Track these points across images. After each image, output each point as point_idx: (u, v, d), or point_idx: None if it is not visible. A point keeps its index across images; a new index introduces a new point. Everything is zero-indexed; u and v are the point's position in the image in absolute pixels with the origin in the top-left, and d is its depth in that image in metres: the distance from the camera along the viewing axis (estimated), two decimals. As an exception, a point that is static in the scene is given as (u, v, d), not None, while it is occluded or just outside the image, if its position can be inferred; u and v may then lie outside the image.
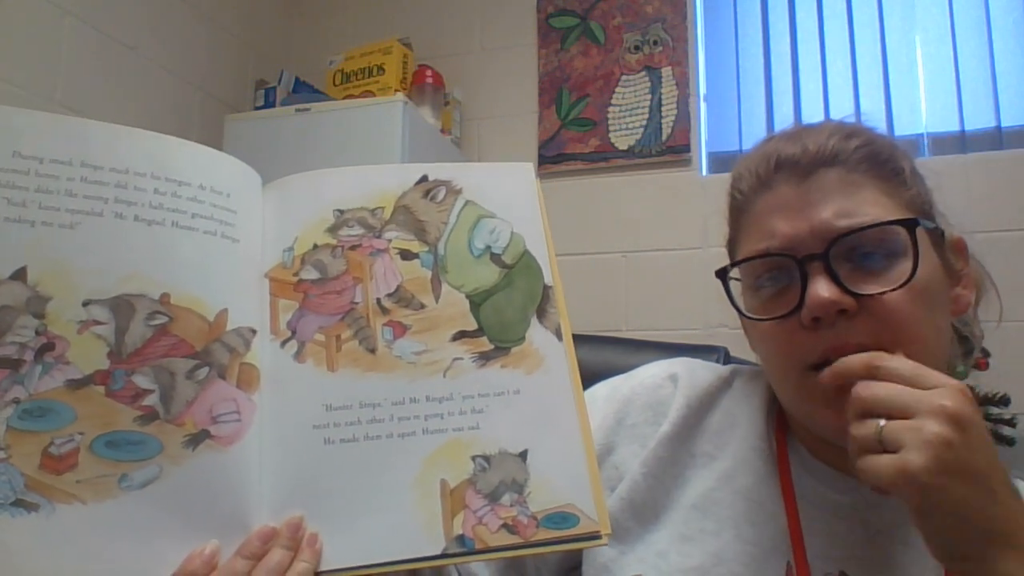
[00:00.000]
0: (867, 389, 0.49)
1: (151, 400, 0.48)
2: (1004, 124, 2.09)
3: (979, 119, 2.10)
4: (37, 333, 0.47)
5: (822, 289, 0.54)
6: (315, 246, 0.56)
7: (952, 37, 2.16)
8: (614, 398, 0.69)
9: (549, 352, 0.56)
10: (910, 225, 0.55)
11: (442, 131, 2.41)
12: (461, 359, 0.54)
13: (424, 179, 0.59)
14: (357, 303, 0.55)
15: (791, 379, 0.59)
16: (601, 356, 1.09)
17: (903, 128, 2.15)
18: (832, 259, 0.55)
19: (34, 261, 0.48)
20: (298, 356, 0.53)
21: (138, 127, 0.53)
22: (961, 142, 2.11)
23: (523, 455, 0.53)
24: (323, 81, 2.43)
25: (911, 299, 0.55)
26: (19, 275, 0.48)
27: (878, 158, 0.58)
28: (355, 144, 2.11)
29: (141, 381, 0.48)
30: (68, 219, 0.49)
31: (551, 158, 2.43)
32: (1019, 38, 2.12)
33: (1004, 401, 1.71)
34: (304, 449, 0.51)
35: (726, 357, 1.06)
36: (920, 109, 2.17)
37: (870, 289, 0.54)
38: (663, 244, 2.29)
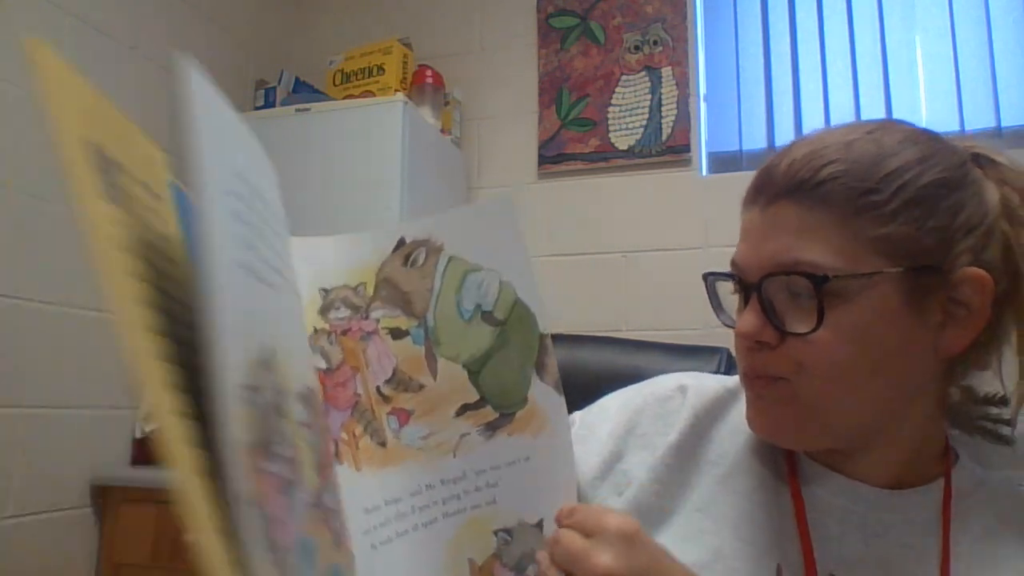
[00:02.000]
0: (559, 542, 0.49)
1: (337, 521, 0.41)
2: (1004, 124, 2.09)
3: (979, 119, 2.10)
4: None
5: (744, 319, 0.57)
6: (315, 330, 0.53)
7: (952, 37, 2.16)
8: (627, 408, 0.71)
9: (550, 407, 0.56)
10: (816, 281, 0.53)
11: (442, 131, 2.41)
12: (468, 434, 0.54)
13: (402, 243, 0.56)
14: (359, 395, 0.53)
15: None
16: (601, 356, 1.10)
17: (903, 128, 2.15)
18: (769, 291, 0.56)
19: (276, 339, 0.36)
20: (337, 456, 0.51)
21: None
22: (961, 142, 2.10)
23: (539, 525, 0.54)
24: (323, 81, 2.43)
25: (840, 341, 0.54)
26: (268, 358, 0.34)
27: (850, 192, 0.55)
28: (355, 144, 2.11)
29: (328, 500, 0.41)
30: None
31: (551, 158, 2.43)
32: (1019, 38, 2.12)
33: (1003, 401, 1.71)
34: (362, 559, 0.48)
35: (726, 357, 1.06)
36: (920, 109, 2.17)
37: (794, 327, 0.55)
38: (663, 244, 2.29)
